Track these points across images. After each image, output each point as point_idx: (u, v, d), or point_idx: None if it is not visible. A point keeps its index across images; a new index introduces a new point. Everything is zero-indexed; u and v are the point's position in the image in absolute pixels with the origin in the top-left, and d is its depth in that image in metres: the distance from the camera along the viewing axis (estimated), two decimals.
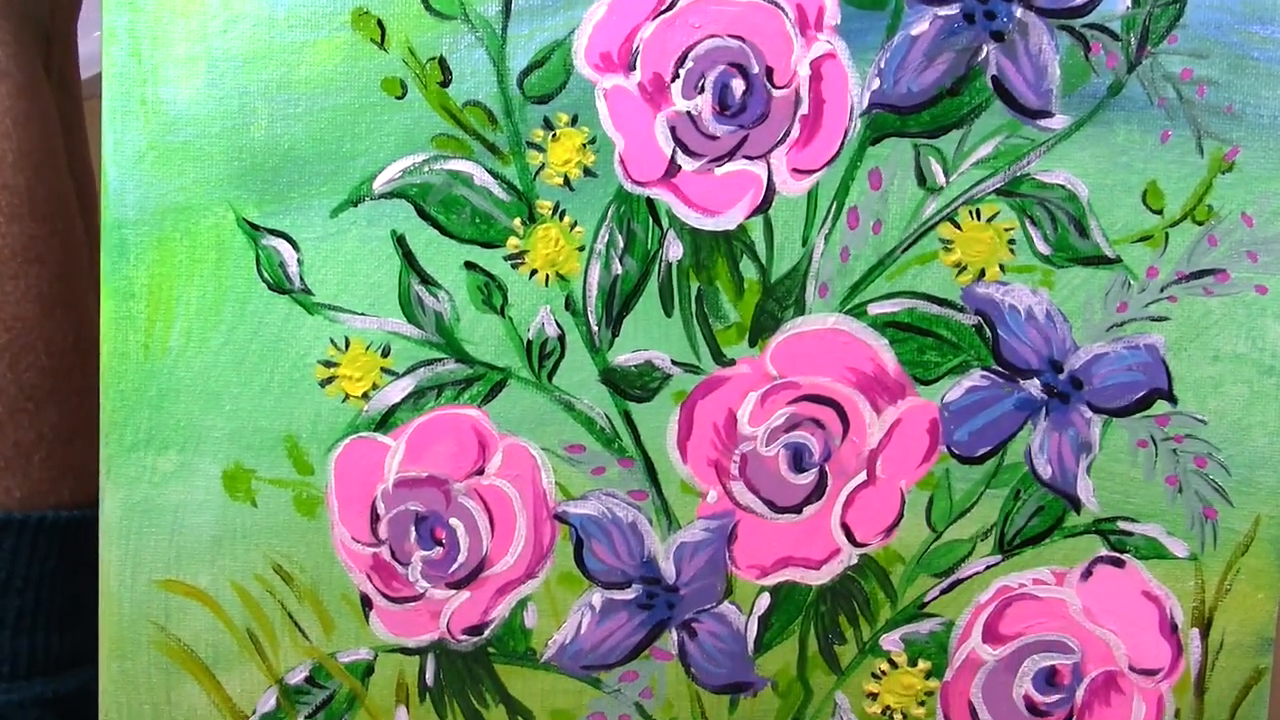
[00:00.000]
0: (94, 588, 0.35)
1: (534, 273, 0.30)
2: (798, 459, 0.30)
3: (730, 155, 0.29)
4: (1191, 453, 0.30)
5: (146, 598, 0.30)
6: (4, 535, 0.33)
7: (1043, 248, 0.30)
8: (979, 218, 0.30)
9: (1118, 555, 0.31)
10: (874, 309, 0.30)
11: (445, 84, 0.29)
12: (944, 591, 0.31)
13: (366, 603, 0.30)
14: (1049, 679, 0.31)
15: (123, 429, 0.30)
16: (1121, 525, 0.31)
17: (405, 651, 0.31)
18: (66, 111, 0.38)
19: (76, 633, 0.35)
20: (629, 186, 0.29)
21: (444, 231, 0.29)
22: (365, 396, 0.30)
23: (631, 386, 0.30)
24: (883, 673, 0.31)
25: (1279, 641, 0.31)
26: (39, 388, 0.34)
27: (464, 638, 0.31)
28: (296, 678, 0.31)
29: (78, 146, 0.38)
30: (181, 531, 0.30)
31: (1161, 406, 0.30)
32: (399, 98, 0.29)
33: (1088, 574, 0.31)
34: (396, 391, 0.30)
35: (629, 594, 0.31)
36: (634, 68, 0.29)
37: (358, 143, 0.29)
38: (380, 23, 0.29)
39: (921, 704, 0.31)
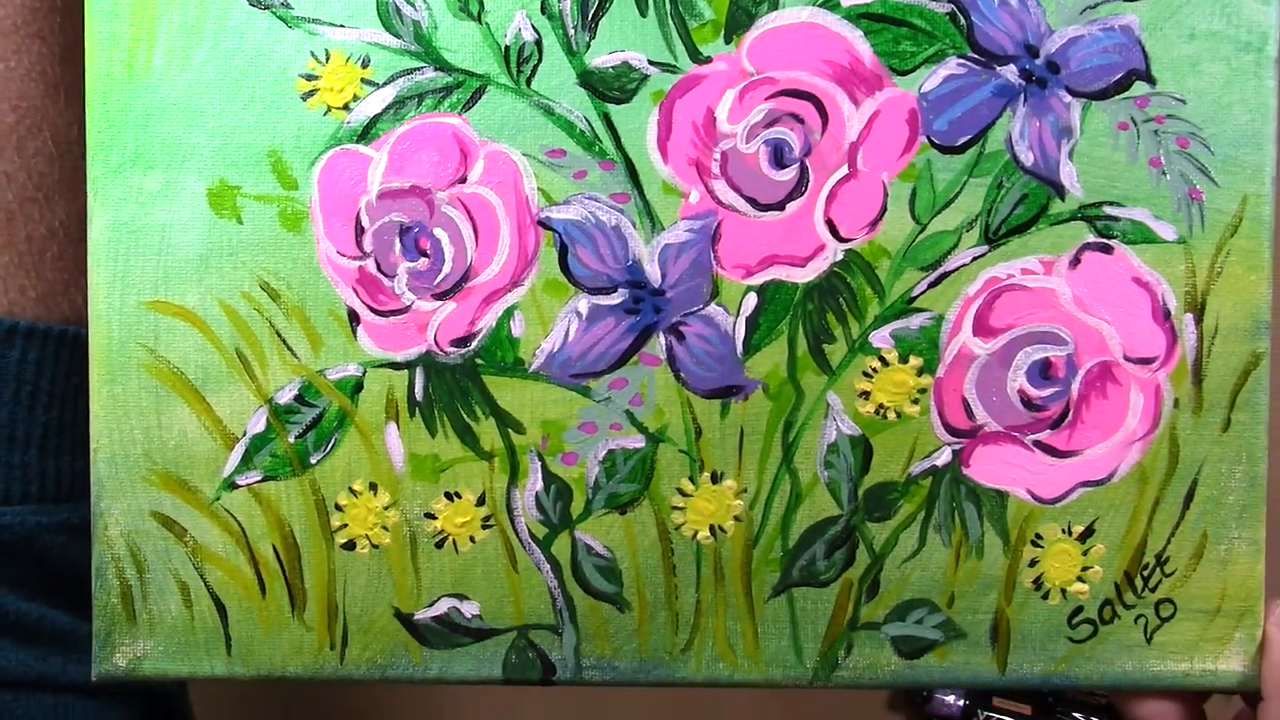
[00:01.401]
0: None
1: None
2: (778, 154, 0.30)
3: None
4: (1173, 133, 0.30)
5: (135, 320, 0.30)
6: (28, 345, 0.33)
7: None
8: None
9: (1105, 241, 0.31)
10: (847, 0, 0.30)
11: None
12: (931, 285, 0.31)
13: (353, 317, 0.31)
14: (1043, 371, 0.31)
15: (109, 150, 0.30)
16: (1107, 210, 0.30)
17: (393, 366, 0.31)
18: None
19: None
20: None
21: None
22: (346, 108, 0.30)
23: (609, 88, 0.30)
24: (874, 371, 0.31)
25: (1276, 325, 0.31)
26: (47, 176, 0.34)
27: (451, 349, 0.31)
28: (286, 397, 0.31)
29: None
30: (168, 251, 0.30)
31: (1140, 88, 0.30)
32: None
33: (1076, 261, 0.31)
34: (377, 102, 0.30)
35: (615, 298, 0.30)
36: None
37: None
38: None
39: (915, 401, 0.31)
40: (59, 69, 0.34)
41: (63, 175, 0.34)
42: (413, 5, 0.30)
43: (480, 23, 0.30)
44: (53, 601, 0.34)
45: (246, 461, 0.31)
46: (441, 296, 0.30)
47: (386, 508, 0.31)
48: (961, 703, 0.57)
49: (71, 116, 0.34)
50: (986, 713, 0.58)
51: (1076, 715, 0.58)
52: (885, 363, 0.31)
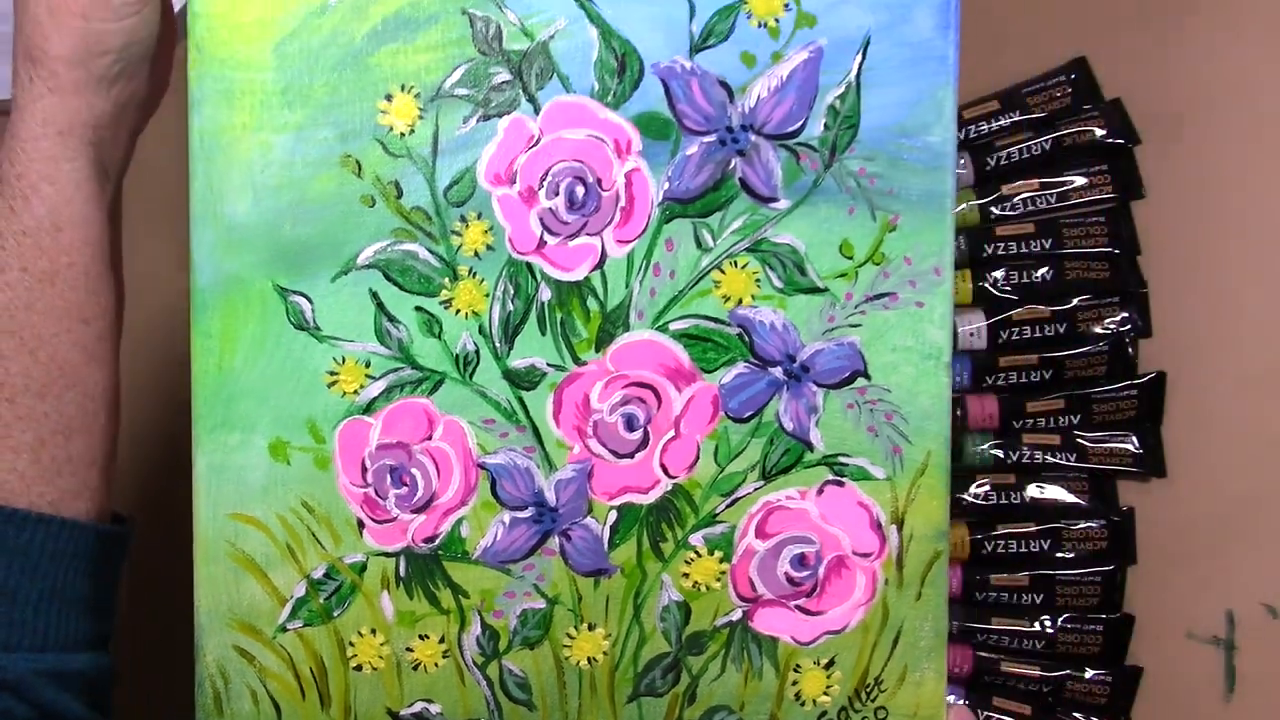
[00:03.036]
0: (110, 589, 0.49)
1: (458, 311, 0.47)
2: (630, 423, 0.47)
3: (577, 234, 0.47)
4: (883, 410, 0.47)
5: (223, 524, 0.48)
6: (36, 529, 0.46)
7: (777, 284, 0.47)
8: (737, 266, 0.47)
9: (839, 479, 0.47)
10: (673, 326, 0.47)
11: (399, 197, 0.47)
12: (728, 506, 0.48)
13: (360, 524, 0.48)
14: (800, 561, 0.48)
15: (206, 418, 0.47)
16: (840, 459, 0.47)
17: (386, 555, 0.48)
18: (116, 211, 0.50)
19: (90, 621, 0.48)
20: (515, 256, 0.47)
21: (401, 288, 0.47)
22: (356, 393, 0.47)
23: (522, 381, 0.47)
24: (692, 560, 0.48)
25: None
26: (74, 419, 0.47)
27: (423, 545, 0.48)
28: (318, 574, 0.48)
29: (116, 237, 0.50)
30: (243, 482, 0.48)
31: (861, 382, 0.47)
32: (370, 206, 0.47)
33: (820, 491, 0.47)
34: (375, 389, 0.47)
35: (526, 514, 0.48)
36: (514, 182, 0.47)
37: (347, 235, 0.47)
38: (358, 162, 0.47)
39: (718, 579, 0.48)
40: (95, 345, 0.48)
41: (86, 420, 0.48)
42: (396, 326, 0.47)
43: (440, 339, 0.47)
44: None
45: (293, 614, 0.48)
46: (416, 511, 0.48)
47: (382, 644, 0.48)
48: (962, 703, 0.66)
49: (101, 376, 0.48)
50: (986, 713, 0.66)
51: (1077, 715, 0.67)
52: (699, 555, 0.48)
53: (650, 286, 0.47)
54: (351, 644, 0.48)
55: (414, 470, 0.48)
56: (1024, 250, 0.67)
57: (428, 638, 0.48)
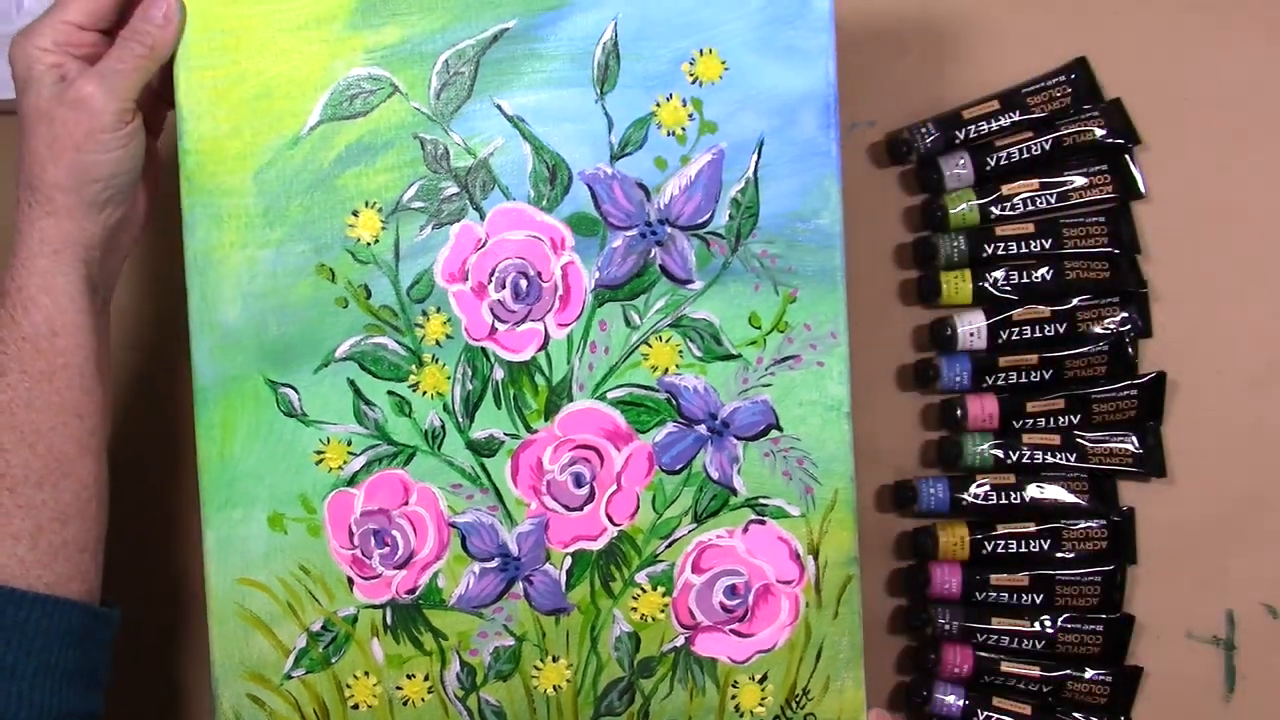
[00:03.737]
0: (100, 667, 0.53)
1: (425, 393, 0.55)
2: (578, 480, 0.55)
3: (523, 320, 0.55)
4: (795, 456, 0.55)
5: (231, 588, 0.55)
6: (34, 607, 0.49)
7: (697, 353, 0.55)
8: (662, 340, 0.55)
9: (761, 518, 0.55)
10: (610, 395, 0.55)
11: (369, 297, 0.55)
12: (667, 547, 0.55)
13: (350, 581, 0.55)
14: (732, 591, 0.55)
15: (212, 499, 0.55)
16: (761, 501, 0.55)
17: (373, 606, 0.55)
18: (104, 322, 0.55)
19: (82, 696, 0.52)
20: (471, 342, 0.55)
21: (374, 375, 0.55)
22: (340, 468, 0.55)
23: (483, 449, 0.55)
24: (638, 595, 0.55)
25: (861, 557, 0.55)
26: (69, 507, 0.52)
27: (405, 596, 0.55)
28: (316, 627, 0.55)
29: (105, 344, 0.55)
30: (247, 551, 0.55)
31: (774, 433, 0.55)
32: (344, 307, 0.54)
33: (746, 530, 0.55)
34: (356, 464, 0.55)
35: (493, 564, 0.55)
36: (467, 279, 0.54)
37: (324, 333, 0.54)
38: (331, 270, 0.54)
39: (663, 611, 0.55)
40: (88, 440, 0.53)
41: (80, 508, 0.52)
42: (372, 409, 0.55)
43: (410, 418, 0.55)
44: None
45: (296, 663, 0.55)
46: (398, 568, 0.55)
47: (375, 685, 0.56)
48: (962, 703, 0.65)
49: (93, 467, 0.53)
50: (986, 713, 0.65)
51: (1077, 715, 0.66)
52: (644, 590, 0.55)
53: (589, 362, 0.55)
54: (349, 686, 0.56)
55: (394, 532, 0.55)
56: (1024, 250, 0.67)
57: (414, 676, 0.56)
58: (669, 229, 0.54)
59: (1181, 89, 0.69)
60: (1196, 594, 0.68)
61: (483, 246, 0.54)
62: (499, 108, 0.54)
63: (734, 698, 0.56)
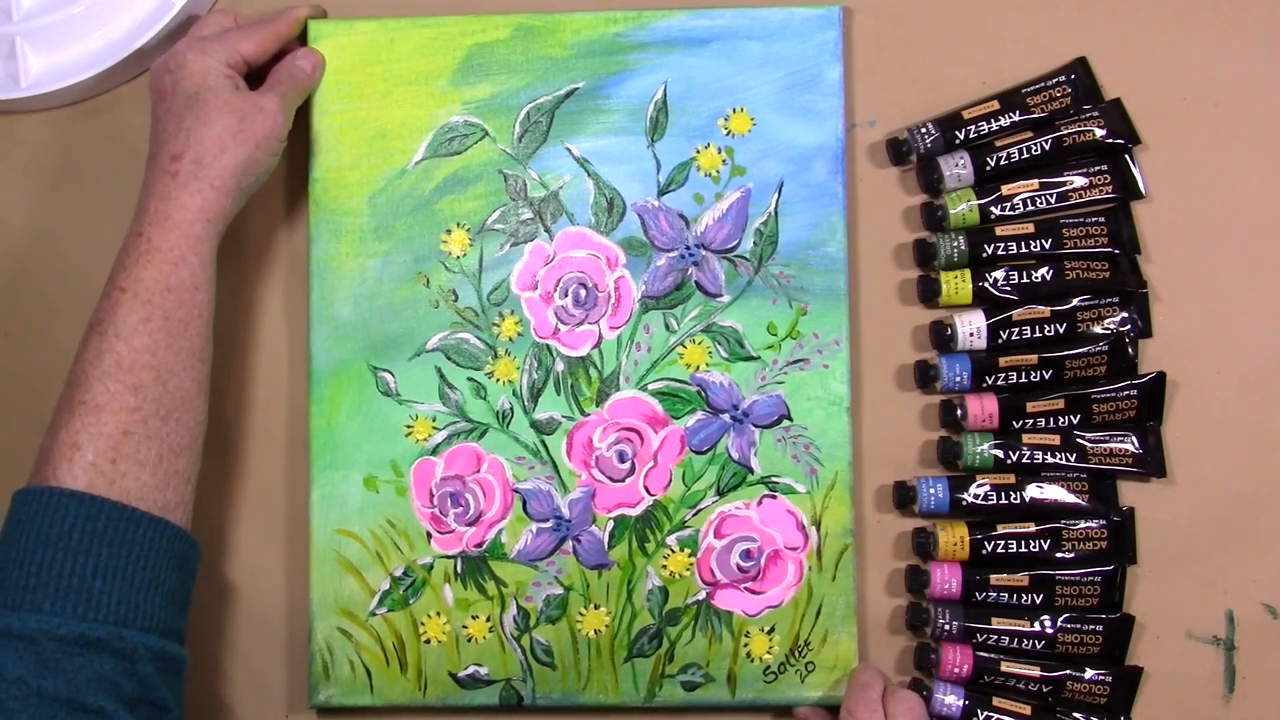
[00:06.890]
0: (189, 592, 0.58)
1: (498, 381, 0.66)
2: (621, 456, 0.66)
3: (581, 323, 0.66)
4: (802, 443, 0.66)
5: (330, 537, 0.66)
6: (150, 528, 0.54)
7: (724, 355, 0.66)
8: (695, 342, 0.66)
9: (773, 493, 0.66)
10: (651, 386, 0.66)
11: (456, 300, 0.67)
12: (694, 515, 0.66)
13: (429, 535, 0.66)
14: (746, 554, 0.66)
15: (319, 461, 0.66)
16: (773, 479, 0.66)
17: (447, 557, 0.66)
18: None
19: (178, 615, 0.57)
20: (538, 340, 0.66)
21: (457, 365, 0.66)
22: (425, 440, 0.66)
23: (544, 428, 0.66)
24: (668, 555, 0.66)
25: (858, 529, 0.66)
26: (183, 439, 0.58)
27: (474, 549, 0.66)
28: (398, 572, 0.66)
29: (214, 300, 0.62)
30: (345, 507, 0.66)
31: (786, 423, 0.66)
32: (435, 308, 0.67)
33: (760, 503, 0.66)
34: (439, 437, 0.66)
35: (548, 525, 0.66)
36: (537, 287, 0.66)
37: (418, 328, 0.66)
38: (427, 277, 0.67)
39: (688, 570, 0.66)
40: (204, 382, 0.60)
41: (190, 440, 0.58)
42: (454, 391, 0.66)
43: (485, 400, 0.66)
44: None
45: (380, 603, 0.66)
46: (469, 525, 0.66)
47: (445, 624, 0.66)
48: (962, 703, 0.65)
49: (202, 405, 0.59)
50: (986, 713, 0.65)
51: (1077, 715, 0.66)
52: (673, 552, 0.66)
53: (634, 358, 0.66)
54: (422, 623, 0.66)
55: (467, 495, 0.66)
56: (1024, 250, 0.67)
57: (478, 617, 0.66)
58: (704, 252, 0.66)
59: (1181, 89, 0.69)
60: (1196, 594, 0.68)
61: (551, 262, 0.67)
62: (569, 150, 0.67)
63: (746, 646, 0.66)
